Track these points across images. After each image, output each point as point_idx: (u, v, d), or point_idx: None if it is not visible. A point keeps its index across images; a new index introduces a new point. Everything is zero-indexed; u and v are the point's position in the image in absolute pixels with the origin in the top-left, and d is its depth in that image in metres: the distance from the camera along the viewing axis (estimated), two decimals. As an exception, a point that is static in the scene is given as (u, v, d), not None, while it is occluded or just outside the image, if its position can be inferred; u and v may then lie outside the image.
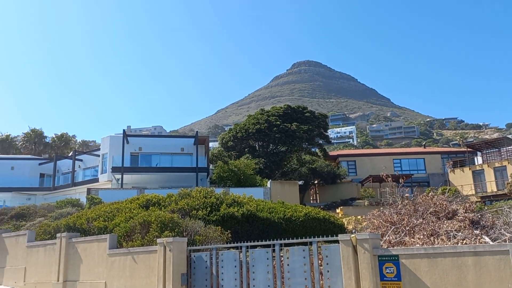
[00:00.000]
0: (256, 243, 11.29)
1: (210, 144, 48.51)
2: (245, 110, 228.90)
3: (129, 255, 13.42)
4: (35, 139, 59.04)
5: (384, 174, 16.56)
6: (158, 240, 12.62)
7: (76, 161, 43.35)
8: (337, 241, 9.60)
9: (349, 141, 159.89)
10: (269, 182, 34.54)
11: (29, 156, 50.99)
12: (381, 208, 13.01)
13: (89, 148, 68.19)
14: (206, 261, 12.04)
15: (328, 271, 9.62)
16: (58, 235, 16.24)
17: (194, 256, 12.40)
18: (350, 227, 20.37)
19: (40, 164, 46.46)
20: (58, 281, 15.46)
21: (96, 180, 40.28)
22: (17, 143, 61.69)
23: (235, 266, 11.42)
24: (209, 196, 17.81)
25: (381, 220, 11.88)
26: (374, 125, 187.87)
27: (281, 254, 10.68)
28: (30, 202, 37.13)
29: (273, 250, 10.87)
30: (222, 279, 11.55)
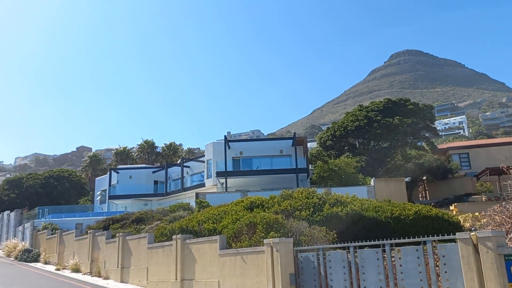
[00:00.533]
0: (364, 243, 10.97)
1: (308, 145, 48.32)
2: (341, 108, 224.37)
3: (239, 255, 13.91)
4: (148, 149, 64.40)
5: (505, 166, 15.01)
6: (265, 241, 12.89)
7: (184, 168, 46.26)
8: (453, 240, 8.93)
9: (459, 132, 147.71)
10: (372, 180, 33.35)
11: (143, 165, 55.70)
12: (503, 203, 11.79)
13: (195, 155, 72.36)
14: (313, 262, 12.00)
15: (445, 272, 8.99)
16: (173, 237, 17.45)
17: (301, 256, 12.43)
18: (467, 224, 18.79)
19: (153, 172, 50.50)
20: (176, 280, 16.61)
21: (202, 184, 42.56)
22: (133, 154, 67.86)
23: (344, 267, 11.22)
24: (311, 197, 17.74)
25: (504, 216, 10.77)
26: (488, 113, 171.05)
27: (392, 254, 10.25)
28: (147, 207, 40.57)
29: (383, 250, 10.47)
30: (331, 280, 11.40)
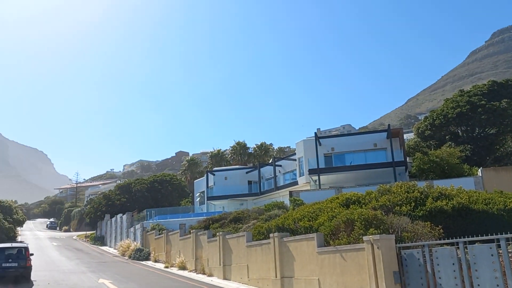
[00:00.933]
0: (474, 238, 10.15)
1: (404, 136, 45.86)
2: (439, 95, 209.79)
3: (337, 253, 13.66)
4: (240, 151, 66.31)
5: None
6: (365, 238, 12.50)
7: (276, 167, 46.76)
8: None
9: None
10: (479, 170, 30.65)
11: (237, 166, 57.42)
12: None
13: (285, 154, 72.85)
14: (418, 259, 11.35)
15: None
16: (270, 235, 17.69)
17: (405, 253, 11.83)
18: None
19: (247, 172, 51.80)
20: (276, 277, 16.82)
21: (295, 183, 42.62)
22: (226, 156, 70.39)
23: (453, 264, 10.44)
24: (411, 191, 16.81)
25: None
26: None
27: (508, 250, 9.29)
28: (243, 207, 41.72)
29: (498, 246, 9.54)
30: (440, 278, 10.68)
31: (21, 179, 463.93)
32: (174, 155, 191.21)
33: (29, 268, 20.92)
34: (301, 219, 17.85)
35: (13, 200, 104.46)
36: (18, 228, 60.29)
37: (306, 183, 40.22)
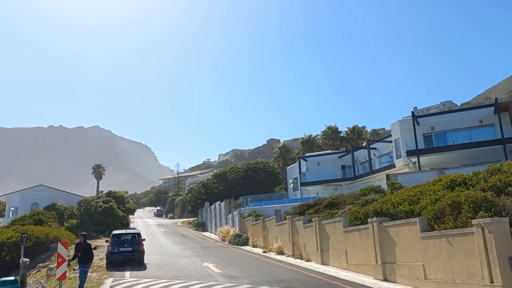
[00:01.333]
0: None
1: (515, 110, 41.34)
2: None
3: (443, 238, 12.85)
4: (331, 135, 65.30)
5: None
6: (474, 222, 11.58)
7: (370, 150, 45.28)
8: None
9: None
10: None
11: (329, 151, 56.72)
12: None
13: (379, 136, 70.15)
14: (539, 244, 10.22)
15: None
16: (369, 220, 17.22)
17: (522, 238, 10.73)
18: None
19: (339, 157, 50.94)
20: (376, 263, 16.37)
21: (392, 166, 40.90)
22: (317, 141, 69.84)
23: None
24: (526, 169, 15.14)
25: None
26: None
27: None
28: (337, 192, 41.13)
29: None
30: None
31: (130, 172, 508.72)
32: (266, 142, 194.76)
33: (142, 252, 22.91)
34: (401, 203, 17.11)
35: (125, 191, 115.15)
36: (130, 216, 66.15)
37: (404, 165, 38.40)
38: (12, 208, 66.31)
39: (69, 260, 16.12)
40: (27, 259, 14.00)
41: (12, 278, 11.09)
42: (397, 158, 39.96)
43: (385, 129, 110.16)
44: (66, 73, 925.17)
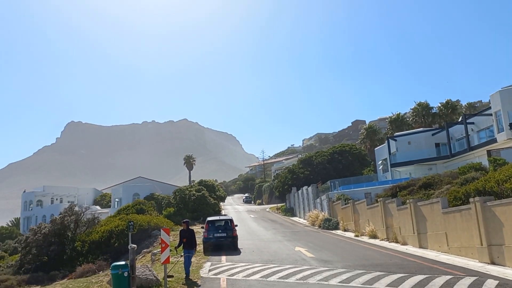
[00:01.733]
0: None
1: None
2: None
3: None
4: (422, 112, 61.57)
5: None
6: None
7: (467, 125, 41.98)
8: None
9: None
10: None
11: (420, 129, 53.61)
12: None
13: (477, 109, 64.79)
14: None
15: None
16: (470, 200, 16.01)
17: None
18: None
19: (432, 134, 47.97)
20: (481, 245, 15.19)
21: (493, 140, 37.55)
22: (407, 119, 66.31)
23: None
24: None
25: None
26: None
27: None
28: (432, 172, 38.80)
29: None
30: None
31: (217, 161, 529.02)
32: (350, 124, 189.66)
33: (235, 238, 23.74)
34: (507, 180, 15.68)
35: (214, 180, 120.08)
36: (221, 203, 68.90)
37: (508, 139, 35.06)
38: (116, 199, 72.68)
39: (175, 247, 17.07)
40: (135, 245, 15.18)
41: (123, 262, 12.09)
42: (498, 132, 36.59)
43: (482, 101, 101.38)
44: (153, 71, 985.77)
